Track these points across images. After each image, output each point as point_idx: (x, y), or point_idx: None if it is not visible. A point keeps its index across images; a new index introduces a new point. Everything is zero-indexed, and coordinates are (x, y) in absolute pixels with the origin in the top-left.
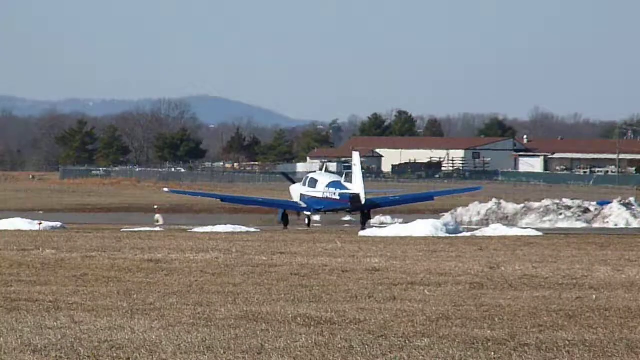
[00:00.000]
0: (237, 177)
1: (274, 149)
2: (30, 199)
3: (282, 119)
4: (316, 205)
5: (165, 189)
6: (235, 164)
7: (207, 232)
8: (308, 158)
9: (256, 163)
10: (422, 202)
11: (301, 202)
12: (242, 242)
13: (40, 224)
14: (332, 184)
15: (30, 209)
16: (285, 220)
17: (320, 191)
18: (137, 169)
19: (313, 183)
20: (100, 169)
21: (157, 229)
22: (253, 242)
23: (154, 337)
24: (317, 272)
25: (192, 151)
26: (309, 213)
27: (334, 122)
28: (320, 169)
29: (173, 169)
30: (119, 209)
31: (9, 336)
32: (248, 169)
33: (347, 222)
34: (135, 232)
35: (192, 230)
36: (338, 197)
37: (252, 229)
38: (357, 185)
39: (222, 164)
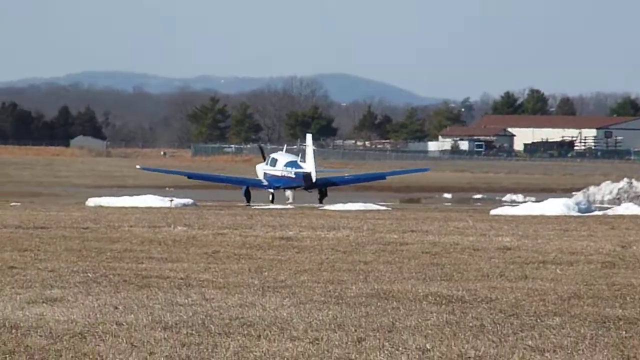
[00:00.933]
0: (368, 155)
1: (406, 127)
2: (162, 176)
3: (412, 97)
4: (275, 182)
5: (138, 166)
6: (367, 142)
7: (338, 210)
8: (440, 136)
9: (387, 141)
10: (374, 181)
11: (263, 180)
12: (373, 220)
13: (171, 200)
14: (289, 164)
15: (161, 185)
16: (247, 197)
17: (279, 170)
18: (269, 147)
19: (274, 162)
20: (232, 146)
21: (289, 206)
22: (384, 220)
23: (285, 314)
24: (449, 251)
25: (324, 129)
26: (271, 190)
27: (465, 100)
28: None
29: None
30: None
31: (139, 313)
32: (379, 146)
33: (478, 200)
34: (267, 209)
35: (323, 207)
36: (294, 176)
37: (383, 207)
38: (309, 165)
39: (353, 142)
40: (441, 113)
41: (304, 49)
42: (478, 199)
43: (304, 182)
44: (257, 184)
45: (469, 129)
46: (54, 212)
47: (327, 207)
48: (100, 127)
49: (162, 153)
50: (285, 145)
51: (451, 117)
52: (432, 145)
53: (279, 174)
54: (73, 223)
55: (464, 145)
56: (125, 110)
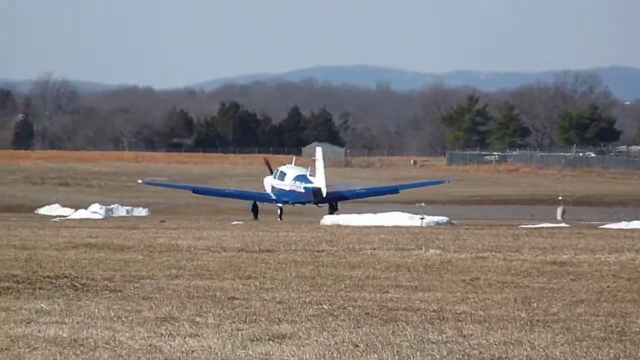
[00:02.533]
0: None
1: None
2: (412, 190)
3: None
4: (284, 197)
5: (140, 180)
6: None
7: (622, 229)
8: None
9: None
10: (387, 195)
11: (271, 194)
12: None
13: (422, 218)
14: (298, 178)
15: (410, 201)
16: (255, 211)
17: (287, 184)
18: (539, 154)
19: (282, 176)
20: (494, 153)
21: (562, 224)
22: None
23: (557, 353)
24: None
25: (604, 132)
26: (280, 205)
27: None
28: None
29: (581, 154)
30: (516, 201)
31: (384, 352)
32: None
33: None
34: (536, 228)
35: (604, 226)
36: (303, 190)
37: None
38: (319, 180)
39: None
40: None
41: (576, 39)
42: None
43: (313, 197)
44: (266, 199)
45: None
46: (282, 233)
47: (607, 225)
48: (337, 131)
49: (411, 162)
50: (294, 159)
51: None
52: None
53: (287, 188)
54: (305, 245)
55: None
56: (367, 111)
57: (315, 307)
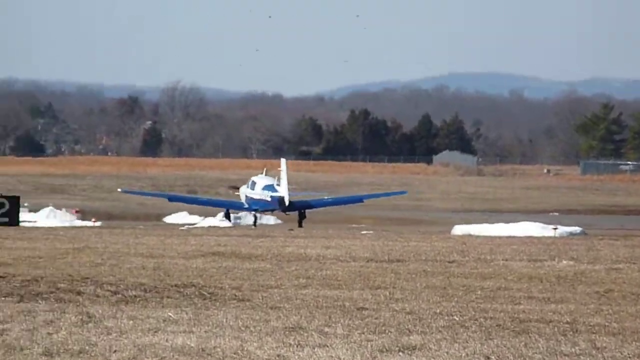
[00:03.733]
0: None
1: None
2: (544, 198)
3: None
4: (254, 205)
5: (119, 189)
6: None
7: None
8: None
9: None
10: (351, 204)
11: (245, 203)
12: None
13: (555, 229)
14: (266, 187)
15: (543, 210)
16: (228, 219)
17: (257, 193)
18: None
19: (253, 185)
20: (630, 163)
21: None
22: None
23: None
24: None
25: None
26: (253, 212)
27: None
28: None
29: None
30: None
31: None
32: None
33: None
34: None
35: None
36: (269, 199)
37: None
38: (282, 189)
39: None
40: None
41: None
42: None
43: (278, 205)
44: (239, 207)
45: None
46: (413, 242)
47: None
48: (469, 139)
49: (545, 171)
50: (265, 169)
51: None
52: None
53: (257, 197)
54: (436, 255)
55: None
56: (500, 119)
57: (446, 318)
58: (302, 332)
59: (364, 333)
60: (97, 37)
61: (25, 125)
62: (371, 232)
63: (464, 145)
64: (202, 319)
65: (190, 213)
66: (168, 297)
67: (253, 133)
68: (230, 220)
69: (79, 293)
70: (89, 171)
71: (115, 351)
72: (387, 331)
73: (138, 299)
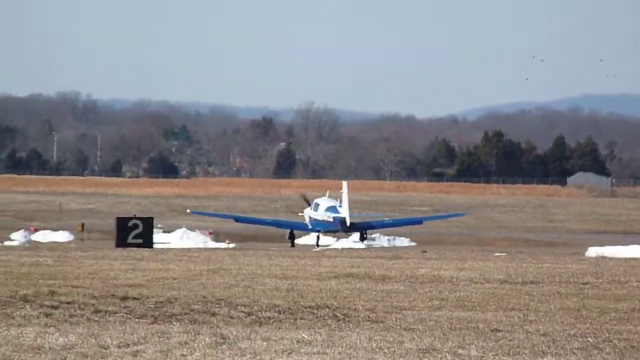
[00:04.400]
0: None
1: None
2: None
3: None
4: (318, 226)
5: (188, 210)
6: None
7: None
8: None
9: None
10: (411, 225)
11: (308, 224)
12: None
13: None
14: (329, 209)
15: None
16: (292, 239)
17: (320, 214)
18: None
19: (316, 207)
20: None
21: None
22: None
23: None
24: None
25: None
26: (316, 233)
27: None
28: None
29: None
30: None
31: None
32: None
33: None
34: None
35: None
36: (332, 220)
37: None
38: (344, 210)
39: None
40: None
41: None
42: None
43: (340, 225)
44: (303, 228)
45: None
46: (547, 264)
47: None
48: (603, 161)
49: None
50: (328, 192)
51: None
52: None
53: (320, 218)
54: (570, 277)
55: None
56: (634, 141)
57: (580, 340)
58: (435, 354)
59: (497, 355)
60: (230, 59)
61: (159, 147)
62: (504, 253)
63: (598, 166)
64: (335, 340)
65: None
66: (302, 318)
67: (386, 154)
68: (293, 242)
69: (213, 314)
70: (223, 192)
71: None
72: (521, 353)
73: (272, 321)
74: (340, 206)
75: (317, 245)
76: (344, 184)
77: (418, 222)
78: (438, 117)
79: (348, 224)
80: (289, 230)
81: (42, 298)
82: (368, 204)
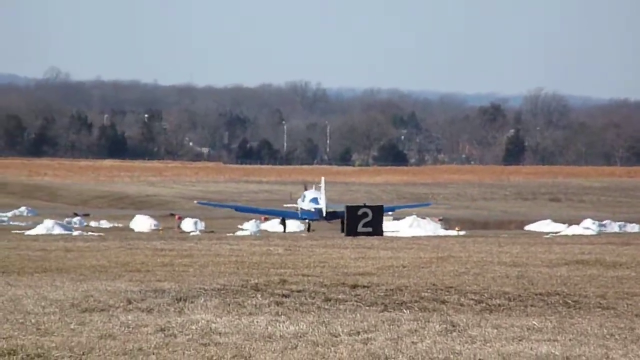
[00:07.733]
0: None
1: None
2: None
3: None
4: (304, 215)
5: (195, 201)
6: None
7: None
8: None
9: None
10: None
11: (298, 213)
12: None
13: None
14: (312, 200)
15: None
16: (284, 226)
17: (306, 205)
18: None
19: (304, 198)
20: None
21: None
22: None
23: None
24: None
25: None
26: (306, 220)
27: None
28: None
29: None
30: None
31: None
32: None
33: None
34: None
35: None
36: (313, 210)
37: None
38: (322, 202)
39: None
40: None
41: None
42: None
43: (318, 215)
44: (294, 216)
45: None
46: None
47: None
48: None
49: None
50: (314, 184)
51: None
52: None
53: (306, 208)
54: None
55: None
56: None
57: None
58: None
59: None
60: (462, 46)
61: (389, 135)
62: None
63: None
64: (566, 327)
65: (555, 221)
66: (532, 305)
67: (616, 140)
68: (285, 228)
69: (443, 302)
70: (452, 180)
71: (480, 359)
72: None
73: (502, 308)
74: (320, 198)
75: (307, 231)
76: (322, 179)
77: (391, 210)
78: None
79: (324, 214)
80: (281, 218)
81: (273, 287)
82: (599, 190)
